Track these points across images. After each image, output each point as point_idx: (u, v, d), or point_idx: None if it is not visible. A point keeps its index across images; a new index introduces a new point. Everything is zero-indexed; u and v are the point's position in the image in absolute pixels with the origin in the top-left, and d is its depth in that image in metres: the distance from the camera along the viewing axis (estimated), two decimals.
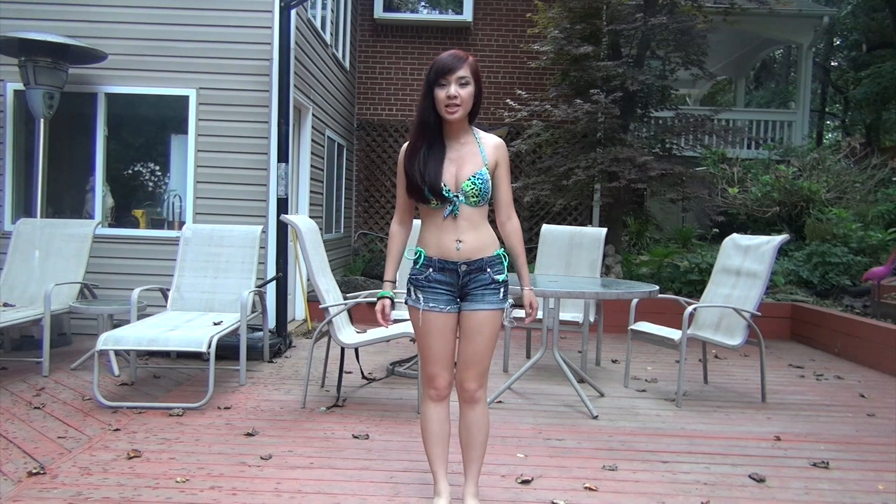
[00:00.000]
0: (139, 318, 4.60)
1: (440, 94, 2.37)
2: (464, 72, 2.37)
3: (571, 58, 8.17)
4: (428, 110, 2.41)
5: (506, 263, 2.55)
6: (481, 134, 2.53)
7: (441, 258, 2.47)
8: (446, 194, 2.42)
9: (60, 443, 3.36)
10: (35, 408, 3.93)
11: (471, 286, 2.49)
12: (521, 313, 5.33)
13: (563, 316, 5.10)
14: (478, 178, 2.43)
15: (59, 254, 5.34)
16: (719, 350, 6.15)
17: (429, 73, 2.39)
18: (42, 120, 5.52)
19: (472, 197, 2.43)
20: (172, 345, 4.05)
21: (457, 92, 2.36)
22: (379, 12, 10.16)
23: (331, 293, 4.21)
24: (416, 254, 2.52)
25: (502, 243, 2.60)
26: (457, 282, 2.48)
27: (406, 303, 2.56)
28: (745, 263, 4.65)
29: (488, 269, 2.49)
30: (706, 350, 5.10)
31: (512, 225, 2.57)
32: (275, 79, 5.84)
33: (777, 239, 4.52)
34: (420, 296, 2.50)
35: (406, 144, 2.51)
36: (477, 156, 2.47)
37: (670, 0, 7.92)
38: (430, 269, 2.49)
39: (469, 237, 2.45)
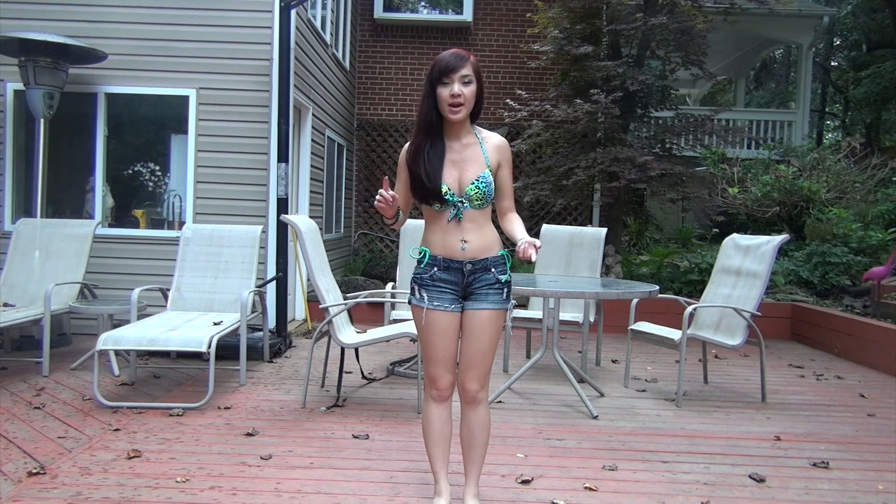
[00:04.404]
0: (139, 318, 4.60)
1: (443, 92, 2.36)
2: (466, 70, 2.36)
3: (571, 58, 8.17)
4: (430, 110, 2.40)
5: (509, 264, 2.54)
6: (483, 133, 2.52)
7: (446, 257, 2.47)
8: (449, 198, 2.42)
9: (60, 443, 3.36)
10: (35, 408, 3.93)
11: (475, 286, 2.49)
12: (522, 312, 5.37)
13: (563, 316, 5.10)
14: (481, 182, 2.43)
15: (59, 254, 5.34)
16: (719, 350, 6.15)
17: (431, 72, 2.38)
18: (42, 120, 5.52)
19: (477, 200, 2.43)
20: (172, 345, 4.05)
21: (460, 90, 2.35)
22: (379, 12, 10.16)
23: (331, 293, 4.21)
24: (420, 253, 2.51)
25: (505, 244, 2.60)
26: (461, 281, 2.48)
27: (409, 302, 2.56)
28: (745, 263, 4.65)
29: (492, 269, 2.49)
30: (706, 350, 5.10)
31: (515, 213, 2.58)
32: (275, 79, 5.84)
33: (777, 239, 4.52)
34: (424, 294, 2.50)
35: (408, 145, 2.51)
36: (479, 157, 2.46)
37: (670, 0, 7.92)
38: (435, 268, 2.48)
39: (474, 237, 2.45)
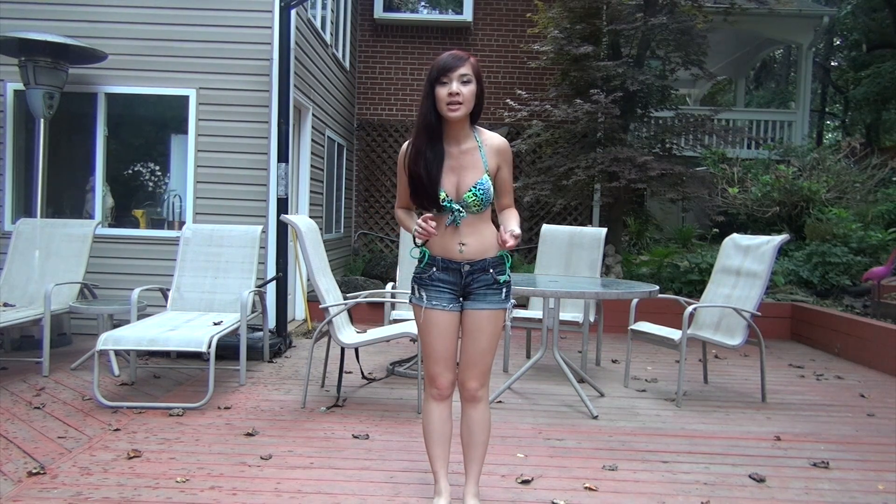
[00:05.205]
0: (139, 318, 4.60)
1: (441, 92, 2.35)
2: (465, 70, 2.35)
3: (571, 58, 8.17)
4: (429, 111, 2.39)
5: (508, 264, 2.54)
6: (483, 135, 2.50)
7: (445, 258, 2.48)
8: (447, 204, 2.42)
9: (60, 443, 3.36)
10: (35, 408, 3.93)
11: (473, 286, 2.49)
12: (522, 312, 5.37)
13: (563, 316, 5.10)
14: (479, 189, 2.42)
15: (59, 254, 5.34)
16: (719, 350, 6.15)
17: (430, 72, 2.37)
18: (42, 120, 5.52)
19: (474, 207, 2.43)
20: (172, 345, 4.05)
21: (459, 89, 2.34)
22: (379, 12, 10.16)
23: (331, 293, 4.21)
24: (420, 253, 2.52)
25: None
26: (460, 281, 2.49)
27: (410, 301, 2.58)
28: (745, 263, 4.65)
29: (491, 270, 2.49)
30: (706, 350, 5.10)
31: (514, 209, 2.58)
32: (275, 79, 5.84)
33: (777, 239, 4.52)
34: (424, 294, 2.51)
35: (406, 145, 2.51)
36: (478, 162, 2.45)
37: (670, 0, 7.92)
38: (434, 269, 2.49)
39: (472, 240, 2.46)
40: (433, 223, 2.34)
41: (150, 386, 4.49)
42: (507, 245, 2.30)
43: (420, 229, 2.33)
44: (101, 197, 6.11)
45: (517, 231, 2.34)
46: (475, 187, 2.42)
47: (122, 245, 6.05)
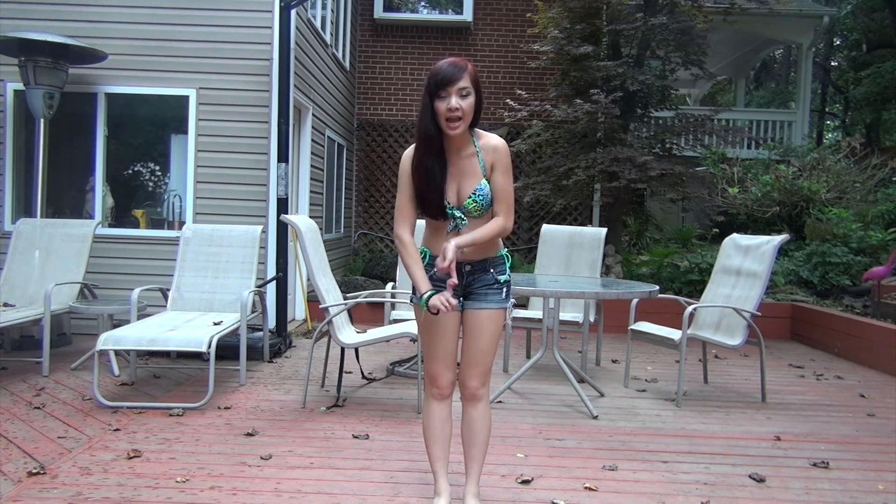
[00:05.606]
0: (139, 318, 4.60)
1: (440, 106, 2.32)
2: (464, 82, 2.32)
3: (571, 58, 8.17)
4: (429, 123, 2.36)
5: (508, 264, 2.55)
6: (482, 139, 2.47)
7: None
8: (450, 211, 2.43)
9: (60, 443, 3.36)
10: (35, 408, 3.93)
11: (474, 286, 2.50)
12: (522, 312, 5.36)
13: (563, 316, 5.11)
14: (479, 196, 2.42)
15: (59, 254, 5.34)
16: (719, 350, 6.15)
17: (428, 84, 2.34)
18: (42, 120, 5.52)
19: (475, 212, 2.44)
20: (172, 345, 4.05)
21: (458, 104, 2.31)
22: (379, 12, 10.16)
23: (331, 293, 4.21)
24: (421, 253, 2.52)
25: (505, 243, 2.60)
26: (460, 281, 2.49)
27: (411, 301, 2.58)
28: (745, 263, 4.65)
29: (491, 270, 2.50)
30: (706, 350, 5.10)
31: (498, 219, 2.45)
32: (275, 79, 5.84)
33: (777, 239, 4.52)
34: None
35: (407, 153, 2.48)
36: (476, 168, 2.44)
37: (670, 0, 7.93)
38: (435, 269, 2.49)
39: None
40: (453, 300, 2.31)
41: (150, 386, 4.49)
42: (441, 267, 2.27)
43: (445, 306, 2.30)
44: (101, 197, 6.11)
45: (450, 253, 2.27)
46: (475, 193, 2.42)
47: (122, 245, 6.05)
